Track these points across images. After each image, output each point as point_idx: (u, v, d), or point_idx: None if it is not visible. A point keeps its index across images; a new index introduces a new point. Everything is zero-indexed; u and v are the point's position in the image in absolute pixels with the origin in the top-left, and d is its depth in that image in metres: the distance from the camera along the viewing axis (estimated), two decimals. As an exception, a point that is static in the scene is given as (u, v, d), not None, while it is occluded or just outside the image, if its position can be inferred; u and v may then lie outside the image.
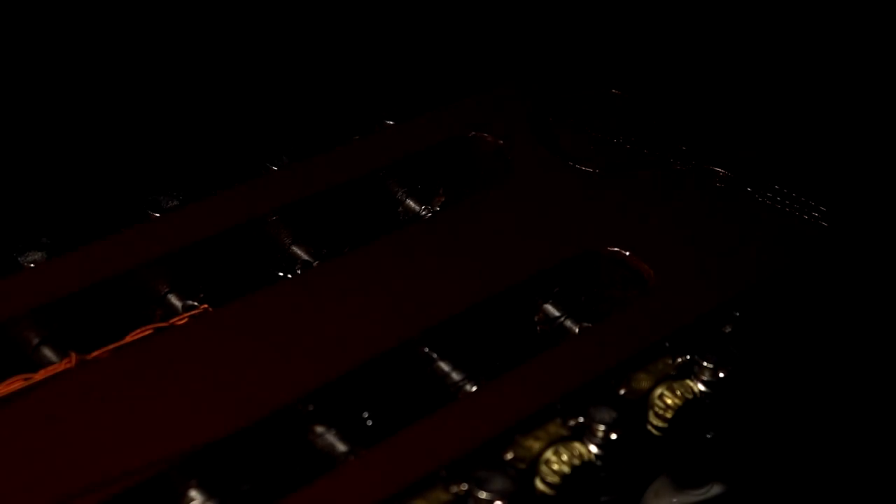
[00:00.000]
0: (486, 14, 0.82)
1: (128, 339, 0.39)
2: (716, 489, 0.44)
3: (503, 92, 0.50)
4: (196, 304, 0.41)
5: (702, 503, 0.43)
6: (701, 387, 0.40)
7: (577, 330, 0.42)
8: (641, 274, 0.42)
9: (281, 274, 0.44)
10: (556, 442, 0.37)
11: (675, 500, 0.43)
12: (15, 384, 0.38)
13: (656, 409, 0.39)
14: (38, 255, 0.41)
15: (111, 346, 0.39)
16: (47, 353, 0.39)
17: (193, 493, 0.35)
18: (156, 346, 0.39)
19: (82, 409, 0.36)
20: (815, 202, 0.45)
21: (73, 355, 0.39)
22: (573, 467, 0.37)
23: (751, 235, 0.44)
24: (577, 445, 0.37)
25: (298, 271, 0.43)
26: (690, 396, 0.39)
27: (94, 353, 0.39)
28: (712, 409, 0.41)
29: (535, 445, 0.37)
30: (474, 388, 0.39)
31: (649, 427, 0.39)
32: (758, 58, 0.80)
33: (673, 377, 0.40)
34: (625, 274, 0.43)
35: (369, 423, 0.38)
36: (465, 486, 0.35)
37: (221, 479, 0.36)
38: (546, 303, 0.42)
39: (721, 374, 0.40)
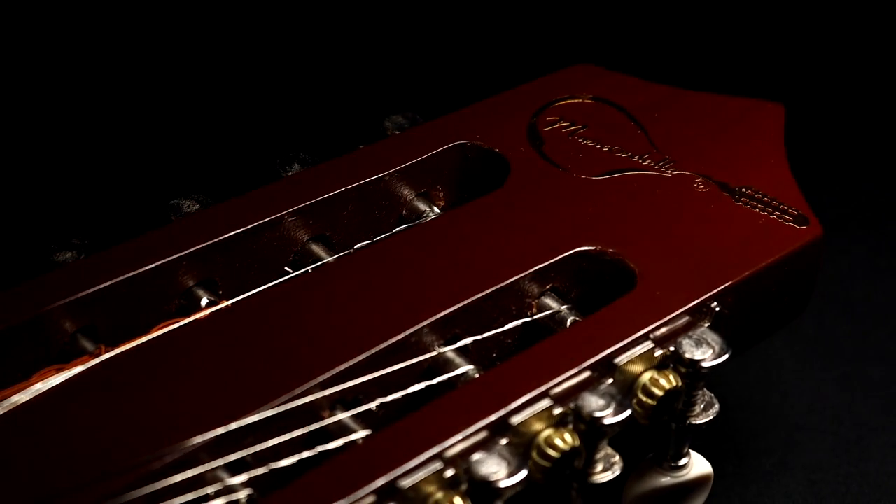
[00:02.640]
0: (484, 20, 0.84)
1: (152, 332, 0.40)
2: (697, 470, 0.44)
3: (501, 100, 0.51)
4: (215, 299, 0.42)
5: (684, 484, 0.44)
6: (683, 377, 0.41)
7: (568, 323, 0.43)
8: (628, 272, 0.43)
9: (291, 271, 0.44)
10: (549, 428, 0.38)
11: (658, 481, 0.44)
12: (48, 374, 0.39)
13: (641, 396, 0.40)
14: (68, 255, 0.42)
15: (138, 339, 0.40)
16: (78, 345, 0.40)
17: (221, 474, 0.37)
18: (179, 338, 0.40)
19: (111, 398, 0.38)
20: (786, 205, 0.46)
21: (102, 347, 0.40)
22: (563, 453, 0.38)
23: (729, 236, 0.44)
24: (567, 432, 0.38)
25: (309, 269, 0.44)
26: (673, 385, 0.40)
27: (122, 346, 0.40)
28: (694, 396, 0.42)
29: (529, 432, 0.38)
30: (475, 377, 0.40)
31: (634, 413, 0.40)
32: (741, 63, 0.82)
33: (657, 367, 0.41)
34: (612, 272, 0.43)
35: (374, 408, 0.39)
36: (464, 469, 0.37)
37: (243, 462, 0.37)
38: (539, 299, 0.43)
39: (703, 365, 0.41)
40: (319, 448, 0.38)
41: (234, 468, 0.37)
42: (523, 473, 0.37)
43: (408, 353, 0.40)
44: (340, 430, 0.39)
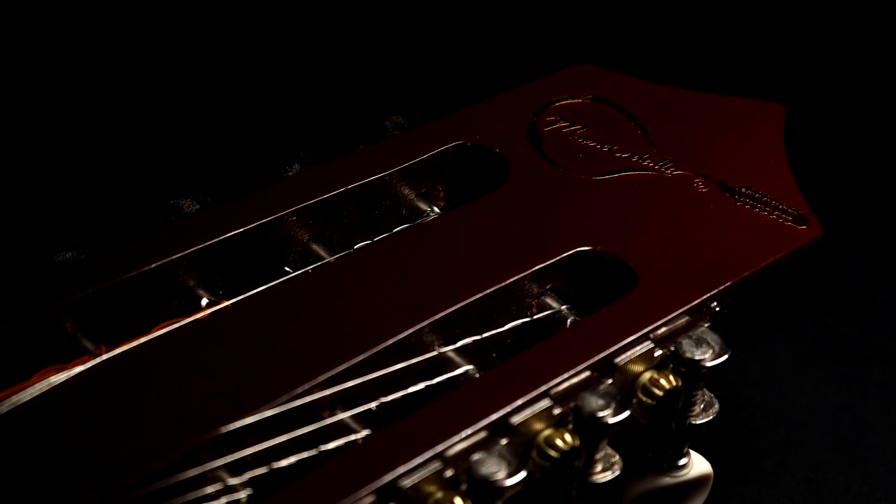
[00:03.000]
0: (484, 20, 0.84)
1: (152, 332, 0.40)
2: (697, 470, 0.44)
3: (502, 101, 0.51)
4: (215, 299, 0.42)
5: (684, 484, 0.44)
6: (682, 377, 0.41)
7: (568, 323, 0.43)
8: (628, 272, 0.43)
9: (291, 271, 0.44)
10: (549, 429, 0.38)
11: (658, 481, 0.44)
12: (49, 374, 0.39)
13: (641, 396, 0.40)
14: (68, 255, 0.42)
15: (139, 339, 0.40)
16: (80, 344, 0.40)
17: (222, 475, 0.37)
18: (179, 339, 0.40)
19: (110, 399, 0.38)
20: (786, 205, 0.46)
21: (103, 347, 0.40)
22: (563, 453, 0.38)
23: (729, 236, 0.45)
24: (567, 432, 0.38)
25: (309, 269, 0.44)
26: (673, 385, 0.40)
27: (123, 346, 0.40)
28: (694, 396, 0.42)
29: (529, 432, 0.38)
30: (475, 377, 0.40)
31: (634, 413, 0.40)
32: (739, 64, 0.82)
33: (657, 367, 0.41)
34: (612, 272, 0.43)
35: (374, 408, 0.39)
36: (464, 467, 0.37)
37: (243, 462, 0.37)
38: (539, 299, 0.43)
39: (703, 365, 0.41)
40: (321, 448, 0.38)
41: (234, 468, 0.37)
42: (523, 473, 0.37)
43: (408, 353, 0.40)
44: (340, 429, 0.39)
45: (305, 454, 0.38)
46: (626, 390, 0.41)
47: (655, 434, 0.43)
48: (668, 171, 0.48)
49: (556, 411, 0.39)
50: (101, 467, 0.36)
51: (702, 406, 0.43)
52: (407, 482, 0.36)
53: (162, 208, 0.45)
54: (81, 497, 0.35)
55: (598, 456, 0.40)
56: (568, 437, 0.38)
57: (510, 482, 0.37)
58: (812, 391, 0.59)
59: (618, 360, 0.40)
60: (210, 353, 0.39)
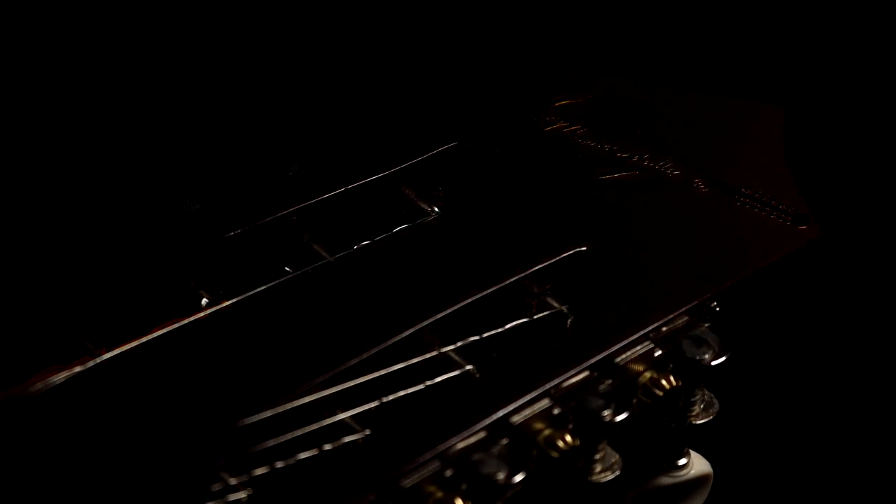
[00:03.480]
0: (484, 21, 0.84)
1: (154, 332, 0.40)
2: (697, 470, 0.45)
3: (502, 101, 0.51)
4: (215, 299, 0.42)
5: (684, 484, 0.44)
6: (683, 376, 0.41)
7: (568, 323, 0.43)
8: (628, 272, 0.43)
9: (291, 271, 0.44)
10: (549, 429, 0.38)
11: (658, 481, 0.44)
12: (49, 374, 0.39)
13: (641, 396, 0.41)
14: (69, 255, 0.42)
15: (139, 339, 0.40)
16: (79, 344, 0.40)
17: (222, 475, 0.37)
18: (178, 339, 0.40)
19: (108, 400, 0.38)
20: (786, 205, 0.46)
21: (104, 349, 0.40)
22: (563, 453, 0.38)
23: (729, 236, 0.45)
24: (567, 432, 0.38)
25: (309, 269, 0.44)
26: (673, 385, 0.41)
27: (123, 346, 0.40)
28: (694, 396, 0.42)
29: (529, 432, 0.38)
30: (476, 377, 0.40)
31: (634, 413, 0.40)
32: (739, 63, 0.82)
33: (657, 367, 0.41)
34: (613, 272, 0.44)
35: (374, 407, 0.40)
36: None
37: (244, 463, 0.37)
38: (539, 298, 0.44)
39: (703, 365, 0.41)
40: (322, 447, 0.38)
41: (235, 467, 0.37)
42: (523, 473, 0.37)
43: (408, 353, 0.40)
44: (341, 429, 0.39)
45: (306, 454, 0.38)
46: (626, 390, 0.41)
47: (655, 434, 0.43)
48: (668, 171, 0.48)
49: (556, 411, 0.39)
50: (101, 468, 0.36)
51: (702, 406, 0.43)
52: (408, 482, 0.36)
53: (162, 208, 0.45)
54: (82, 497, 0.35)
55: (598, 456, 0.40)
56: (568, 437, 0.38)
57: (510, 482, 0.37)
58: (811, 391, 0.59)
59: (618, 360, 0.41)
60: (209, 354, 0.40)
